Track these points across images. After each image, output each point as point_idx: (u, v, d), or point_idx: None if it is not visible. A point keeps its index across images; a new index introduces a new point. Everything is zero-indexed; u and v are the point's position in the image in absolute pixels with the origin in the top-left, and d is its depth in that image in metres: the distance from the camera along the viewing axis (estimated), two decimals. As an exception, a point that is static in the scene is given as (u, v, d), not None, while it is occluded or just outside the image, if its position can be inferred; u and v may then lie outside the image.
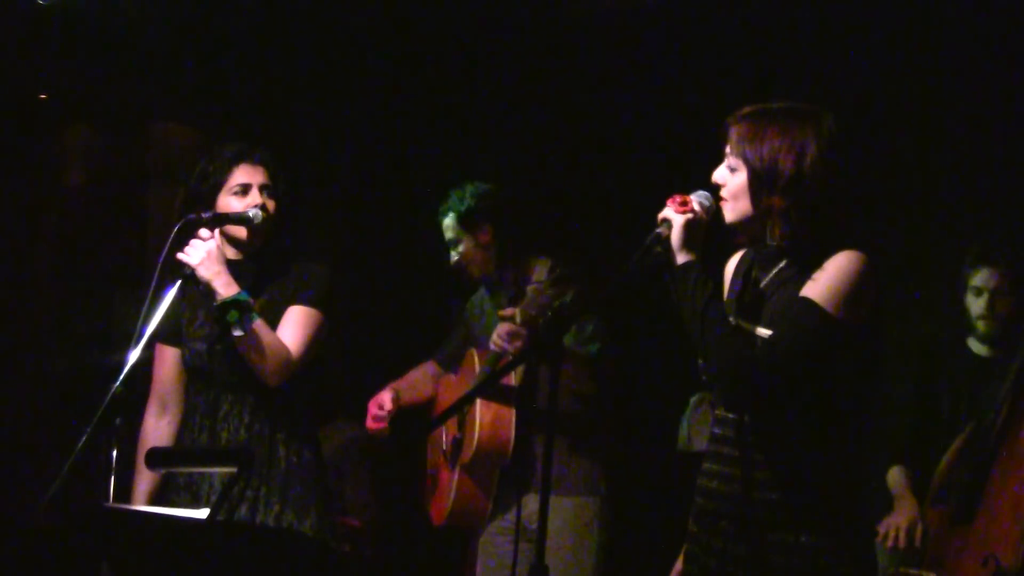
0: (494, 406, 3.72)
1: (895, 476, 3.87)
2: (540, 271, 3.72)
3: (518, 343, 3.51)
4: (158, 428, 3.39)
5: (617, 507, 3.88)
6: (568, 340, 3.69)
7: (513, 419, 3.70)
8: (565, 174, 5.25)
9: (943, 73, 4.42)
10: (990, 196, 4.37)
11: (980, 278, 3.83)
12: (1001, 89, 4.31)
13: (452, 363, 4.08)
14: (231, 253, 3.31)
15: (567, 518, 3.72)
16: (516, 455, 3.76)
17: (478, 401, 3.72)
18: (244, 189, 3.30)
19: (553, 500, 3.27)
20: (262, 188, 3.31)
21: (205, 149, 3.42)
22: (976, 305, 3.84)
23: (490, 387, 3.67)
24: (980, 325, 3.85)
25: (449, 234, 3.86)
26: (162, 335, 3.30)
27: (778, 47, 4.55)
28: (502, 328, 3.54)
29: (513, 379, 3.74)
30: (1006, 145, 4.32)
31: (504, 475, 3.81)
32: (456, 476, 3.88)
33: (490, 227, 3.78)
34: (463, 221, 3.80)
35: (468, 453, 3.76)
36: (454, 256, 3.87)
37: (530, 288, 3.53)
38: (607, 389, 3.84)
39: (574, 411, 3.71)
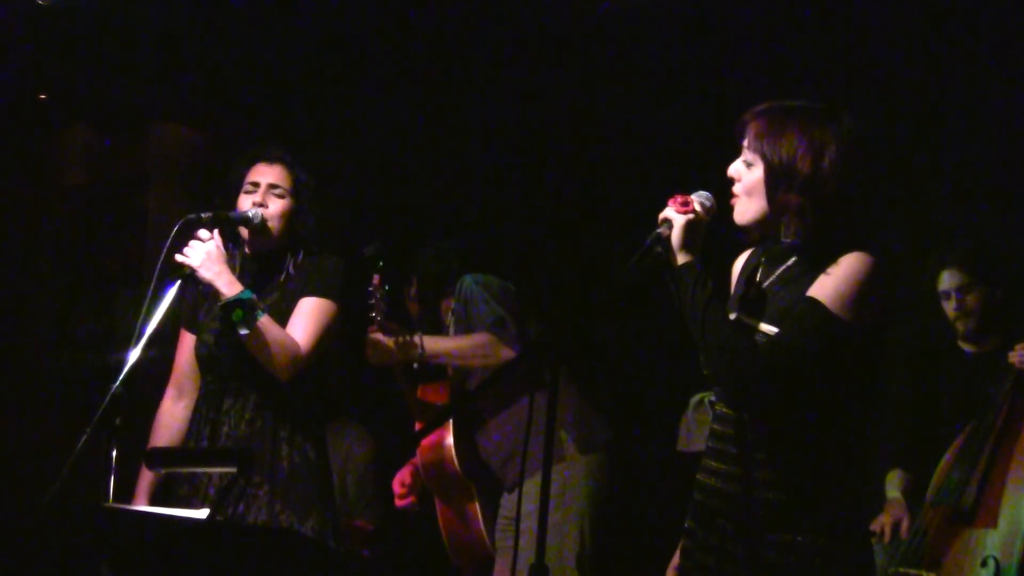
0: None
1: (891, 479, 3.91)
2: (451, 307, 4.13)
3: (389, 344, 3.86)
4: (173, 412, 3.42)
5: (617, 504, 3.91)
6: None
7: (450, 428, 3.99)
8: (566, 174, 5.25)
9: (941, 74, 4.42)
10: (981, 197, 4.38)
11: (943, 282, 3.90)
12: (999, 89, 4.31)
13: None
14: (247, 249, 3.34)
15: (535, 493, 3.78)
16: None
17: (418, 426, 4.11)
18: (254, 187, 3.32)
19: (527, 484, 3.41)
20: (270, 187, 3.32)
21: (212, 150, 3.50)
22: (948, 308, 3.88)
23: (461, 406, 4.04)
24: (959, 325, 3.89)
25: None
26: (185, 321, 3.40)
27: (774, 49, 4.55)
28: (367, 351, 3.90)
29: (445, 392, 4.11)
30: (994, 147, 4.33)
31: (486, 494, 4.03)
32: (438, 509, 4.07)
33: (415, 281, 4.28)
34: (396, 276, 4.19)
35: (429, 484, 4.07)
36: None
37: (371, 302, 3.94)
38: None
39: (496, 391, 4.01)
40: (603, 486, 3.95)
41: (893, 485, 3.90)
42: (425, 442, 4.00)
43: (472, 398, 3.96)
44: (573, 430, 3.93)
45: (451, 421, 3.99)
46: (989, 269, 3.87)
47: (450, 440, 3.98)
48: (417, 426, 4.12)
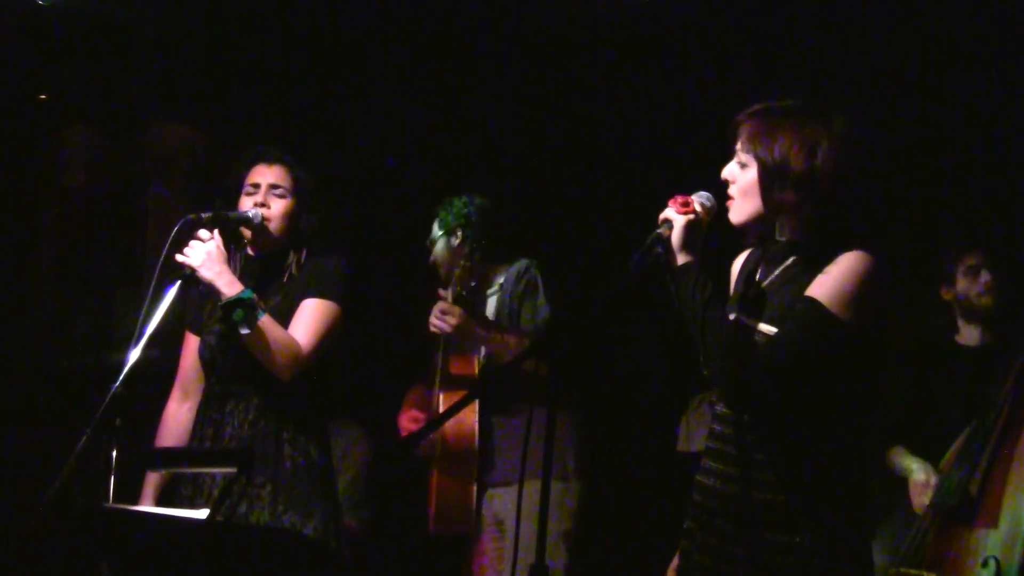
0: (455, 396, 3.85)
1: (897, 452, 3.87)
2: (498, 279, 4.00)
3: (451, 319, 3.77)
4: (178, 414, 3.44)
5: (615, 506, 3.90)
6: (525, 320, 3.92)
7: (475, 407, 3.88)
8: (566, 175, 5.25)
9: (940, 74, 4.42)
10: (968, 196, 4.39)
11: (976, 257, 3.88)
12: (998, 90, 4.32)
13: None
14: (249, 251, 3.35)
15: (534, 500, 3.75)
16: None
17: (440, 395, 3.94)
18: (255, 188, 3.32)
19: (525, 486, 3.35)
20: (271, 188, 3.32)
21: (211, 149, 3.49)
22: (978, 282, 3.87)
23: (488, 388, 3.87)
24: (984, 300, 3.87)
25: (432, 234, 4.09)
26: (189, 323, 3.41)
27: (774, 49, 4.55)
28: (436, 308, 3.80)
29: (474, 367, 3.95)
30: (990, 147, 4.34)
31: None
32: (434, 475, 3.97)
33: (463, 236, 3.97)
34: (442, 225, 4.01)
35: (438, 448, 3.91)
36: (432, 256, 4.08)
37: (456, 271, 3.87)
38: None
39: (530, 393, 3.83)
40: (585, 508, 3.91)
41: (903, 454, 3.85)
42: (451, 401, 3.90)
43: (494, 384, 3.86)
44: (571, 451, 3.89)
45: (476, 400, 3.89)
46: (1012, 254, 3.91)
47: (475, 417, 3.91)
48: (441, 397, 3.99)
